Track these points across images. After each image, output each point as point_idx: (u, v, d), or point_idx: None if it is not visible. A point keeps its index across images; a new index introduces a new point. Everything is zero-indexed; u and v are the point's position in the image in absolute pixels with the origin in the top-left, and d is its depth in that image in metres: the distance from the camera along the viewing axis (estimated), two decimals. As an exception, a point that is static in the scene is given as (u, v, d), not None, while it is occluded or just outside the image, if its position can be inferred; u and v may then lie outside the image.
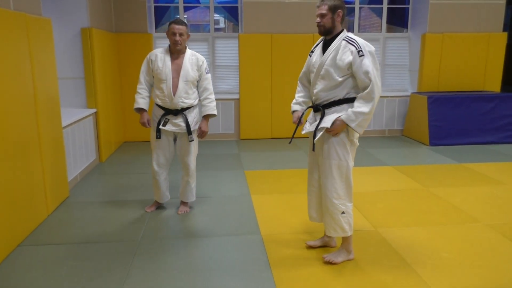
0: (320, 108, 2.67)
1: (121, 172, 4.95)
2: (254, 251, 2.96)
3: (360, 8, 7.07)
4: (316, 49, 2.76)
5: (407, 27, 7.16)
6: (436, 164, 5.20)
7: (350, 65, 2.54)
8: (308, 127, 2.77)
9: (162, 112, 3.38)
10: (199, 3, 6.86)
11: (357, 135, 2.66)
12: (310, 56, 2.80)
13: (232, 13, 6.91)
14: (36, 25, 3.48)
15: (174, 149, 3.53)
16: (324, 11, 2.58)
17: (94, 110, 5.13)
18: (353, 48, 2.53)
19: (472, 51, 6.76)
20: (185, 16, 6.84)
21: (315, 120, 2.73)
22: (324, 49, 2.67)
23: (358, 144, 2.73)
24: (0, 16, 2.91)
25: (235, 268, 2.75)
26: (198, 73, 3.37)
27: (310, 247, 2.97)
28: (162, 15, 6.77)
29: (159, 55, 3.33)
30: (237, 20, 6.90)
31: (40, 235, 3.23)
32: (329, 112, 2.64)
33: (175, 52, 3.33)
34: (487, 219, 3.48)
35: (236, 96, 6.71)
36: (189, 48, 3.41)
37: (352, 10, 7.06)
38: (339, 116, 2.57)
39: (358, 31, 7.08)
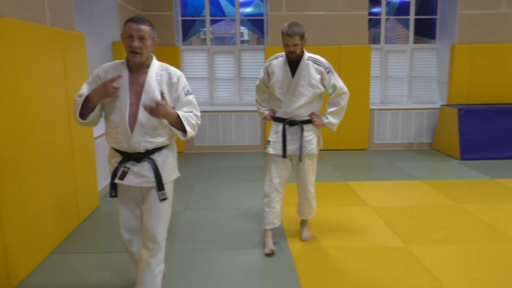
0: (298, 123, 3.06)
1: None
2: (282, 265, 2.94)
3: (386, 19, 7.02)
4: (275, 68, 3.06)
5: (435, 38, 7.05)
6: (467, 179, 5.04)
7: (321, 81, 3.00)
8: (291, 148, 3.09)
9: (118, 158, 2.25)
10: (225, 16, 6.96)
11: None
12: (268, 72, 3.11)
13: (256, 25, 6.97)
14: (71, 39, 3.60)
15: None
16: (297, 42, 2.89)
17: (123, 121, 5.23)
18: (321, 68, 3.00)
19: (503, 61, 6.58)
20: (211, 29, 6.94)
21: (290, 135, 3.08)
22: (292, 69, 3.01)
23: None
24: (38, 31, 3.03)
25: (263, 283, 2.73)
26: (170, 96, 2.21)
27: (272, 251, 3.10)
28: (189, 29, 6.90)
29: (111, 70, 2.21)
30: (261, 32, 6.96)
31: (71, 243, 3.30)
32: (306, 128, 3.07)
33: (134, 66, 2.19)
34: (523, 238, 3.34)
35: (262, 108, 6.72)
36: (157, 61, 2.27)
37: (378, 22, 7.01)
38: (319, 122, 3.10)
39: (385, 43, 7.01)
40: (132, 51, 2.12)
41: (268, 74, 3.12)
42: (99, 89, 2.11)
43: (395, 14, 7.12)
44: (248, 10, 7.01)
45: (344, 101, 3.07)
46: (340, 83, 3.05)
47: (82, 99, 2.17)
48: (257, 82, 3.27)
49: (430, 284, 2.66)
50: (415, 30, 7.04)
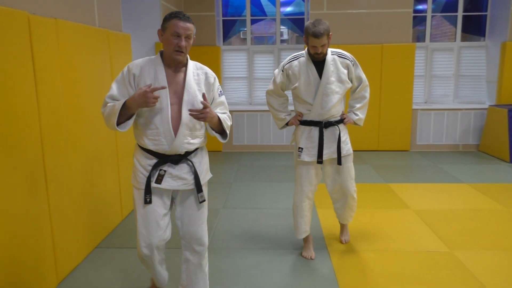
0: (333, 124, 2.92)
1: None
2: (321, 267, 2.91)
3: (432, 16, 6.78)
4: (297, 70, 2.86)
5: (484, 36, 6.72)
6: (518, 183, 4.79)
7: (348, 75, 2.89)
8: (328, 152, 2.92)
9: (153, 160, 2.18)
10: (266, 15, 6.97)
11: None
12: (288, 75, 2.90)
13: (297, 24, 6.94)
14: (118, 40, 3.73)
15: (170, 219, 2.30)
16: (325, 42, 2.72)
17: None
18: (347, 61, 2.88)
19: (560, 60, 6.18)
20: (251, 28, 6.98)
21: (325, 138, 2.92)
22: (317, 68, 2.83)
23: None
24: (88, 32, 3.16)
25: (302, 285, 2.71)
26: (208, 97, 2.18)
27: (311, 258, 3.03)
28: (230, 29, 6.97)
29: (146, 67, 2.12)
30: (301, 31, 6.92)
31: (114, 238, 3.42)
32: (342, 129, 2.96)
33: (172, 64, 2.13)
34: None
35: (301, 107, 6.68)
36: (191, 60, 2.21)
37: (423, 19, 6.78)
38: (347, 119, 3.00)
39: (430, 41, 6.77)
40: (178, 51, 2.05)
41: (289, 77, 2.90)
42: (138, 98, 1.97)
43: (442, 11, 6.86)
44: (289, 9, 6.99)
45: (368, 94, 3.02)
46: (364, 75, 2.97)
47: (118, 105, 2.03)
48: (270, 87, 3.02)
49: (477, 292, 2.55)
50: (462, 28, 6.75)
